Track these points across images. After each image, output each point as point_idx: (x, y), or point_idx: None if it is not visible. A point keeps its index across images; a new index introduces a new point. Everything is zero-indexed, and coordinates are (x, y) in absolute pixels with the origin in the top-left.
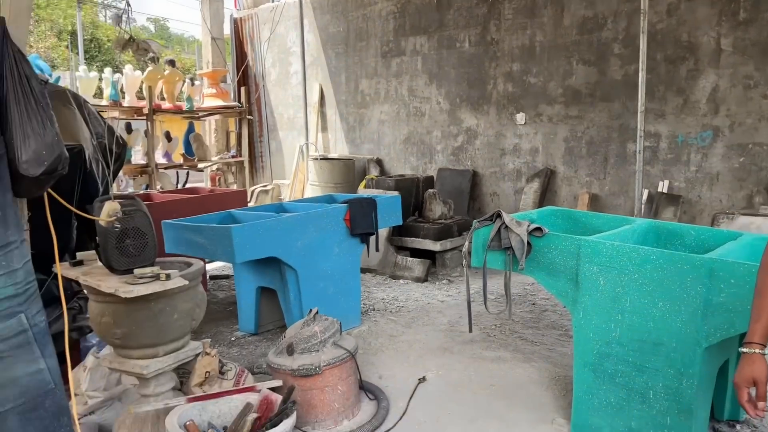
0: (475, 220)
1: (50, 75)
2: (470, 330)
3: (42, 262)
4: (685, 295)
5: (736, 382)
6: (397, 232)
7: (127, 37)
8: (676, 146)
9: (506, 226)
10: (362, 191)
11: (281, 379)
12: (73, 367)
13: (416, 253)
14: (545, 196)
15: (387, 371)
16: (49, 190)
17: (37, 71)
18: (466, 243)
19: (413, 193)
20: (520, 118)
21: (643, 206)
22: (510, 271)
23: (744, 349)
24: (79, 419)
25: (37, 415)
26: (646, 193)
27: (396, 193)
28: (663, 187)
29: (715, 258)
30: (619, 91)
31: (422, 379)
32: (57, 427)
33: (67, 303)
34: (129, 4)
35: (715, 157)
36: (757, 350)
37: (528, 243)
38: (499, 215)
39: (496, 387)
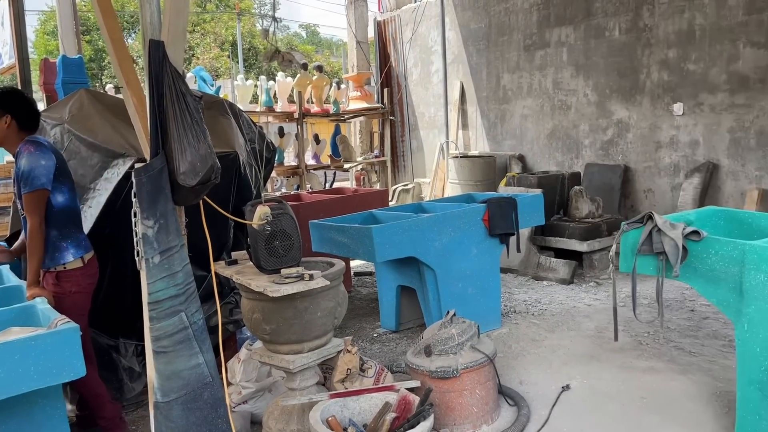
0: (623, 222)
1: (212, 85)
2: (615, 338)
3: (204, 260)
4: None
5: None
6: (540, 231)
7: (274, 48)
8: None
9: (658, 229)
10: (503, 189)
11: (419, 380)
12: (230, 357)
13: (561, 253)
14: (707, 193)
15: (528, 377)
16: (205, 197)
17: (201, 82)
18: (614, 246)
19: (558, 191)
20: (678, 108)
21: None
22: (663, 277)
23: None
24: (233, 407)
25: (197, 405)
26: None
27: (539, 190)
28: None
29: None
30: None
31: (566, 387)
32: (215, 418)
33: (224, 298)
34: (276, 19)
35: None
36: None
37: (683, 247)
38: (650, 217)
39: (647, 400)
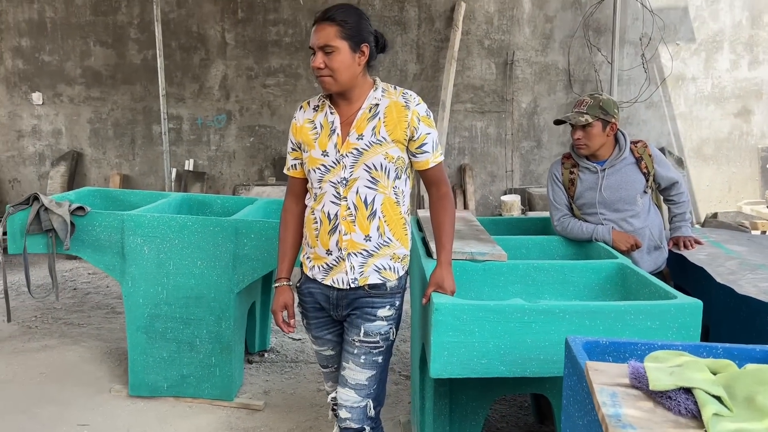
0: (8, 206)
1: None
2: (9, 320)
3: None
4: (218, 252)
5: (273, 310)
6: None
7: None
8: (197, 128)
9: (46, 208)
10: None
11: None
12: None
13: None
14: (74, 180)
15: None
16: None
17: None
18: None
19: None
20: (37, 97)
21: (173, 184)
22: (54, 253)
23: (276, 284)
24: None
25: None
26: (174, 171)
27: None
28: (189, 165)
29: (239, 219)
30: (140, 75)
31: None
32: None
33: None
34: None
35: (230, 137)
36: (284, 283)
37: (71, 223)
38: (36, 198)
39: (46, 374)
